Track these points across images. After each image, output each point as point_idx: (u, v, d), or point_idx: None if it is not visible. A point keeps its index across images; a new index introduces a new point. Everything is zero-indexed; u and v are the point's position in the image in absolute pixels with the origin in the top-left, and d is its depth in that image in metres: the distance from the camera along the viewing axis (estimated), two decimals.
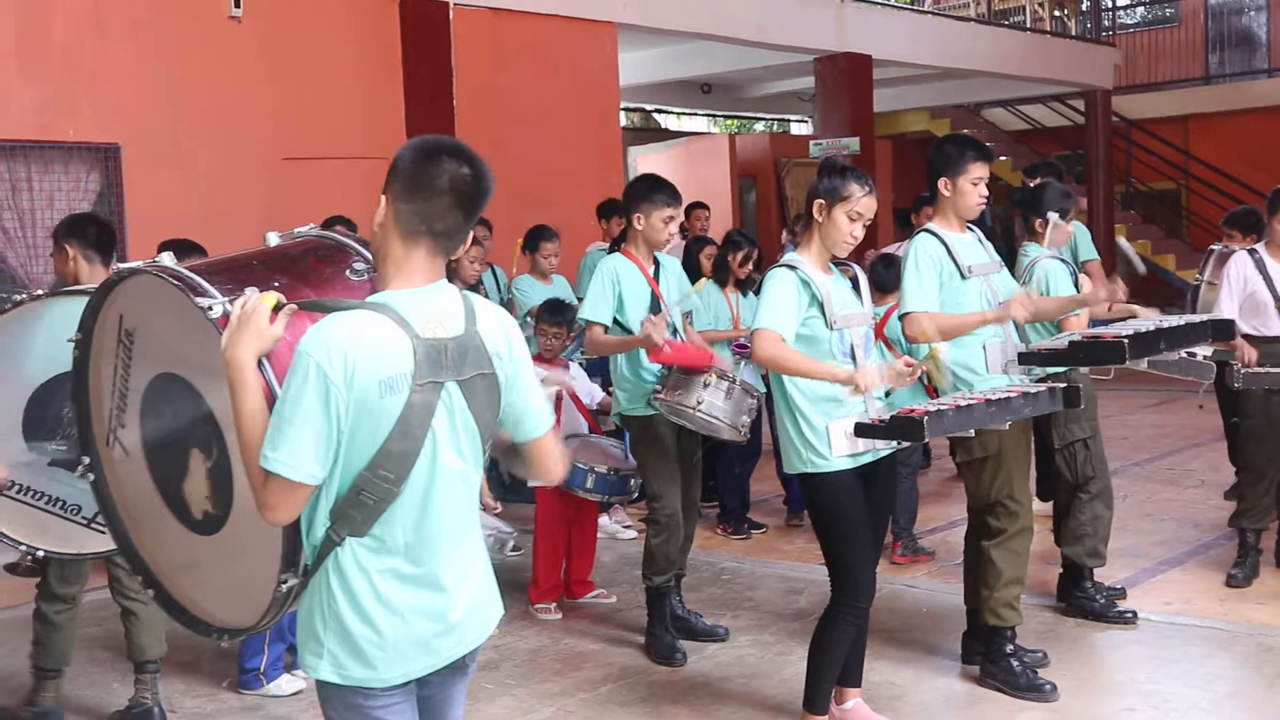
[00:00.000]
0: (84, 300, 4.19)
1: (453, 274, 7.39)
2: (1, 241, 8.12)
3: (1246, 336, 6.24)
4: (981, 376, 4.93)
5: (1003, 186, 17.96)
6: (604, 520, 7.58)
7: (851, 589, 4.39)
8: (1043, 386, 4.83)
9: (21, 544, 4.28)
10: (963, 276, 4.94)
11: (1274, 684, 5.09)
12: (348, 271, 2.75)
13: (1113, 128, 18.92)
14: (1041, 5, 18.54)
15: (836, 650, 4.46)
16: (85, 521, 4.31)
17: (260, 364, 2.48)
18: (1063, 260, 5.91)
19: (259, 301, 2.50)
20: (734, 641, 5.81)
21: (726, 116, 22.63)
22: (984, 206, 5.05)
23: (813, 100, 16.00)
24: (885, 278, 6.89)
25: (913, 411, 4.26)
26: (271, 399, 2.46)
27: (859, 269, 4.73)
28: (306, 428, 2.39)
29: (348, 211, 6.74)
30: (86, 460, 2.99)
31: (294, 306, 2.55)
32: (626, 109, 18.53)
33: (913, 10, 17.15)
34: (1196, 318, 5.53)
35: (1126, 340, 4.64)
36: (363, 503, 2.48)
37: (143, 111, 8.58)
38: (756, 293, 6.05)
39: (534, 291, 8.03)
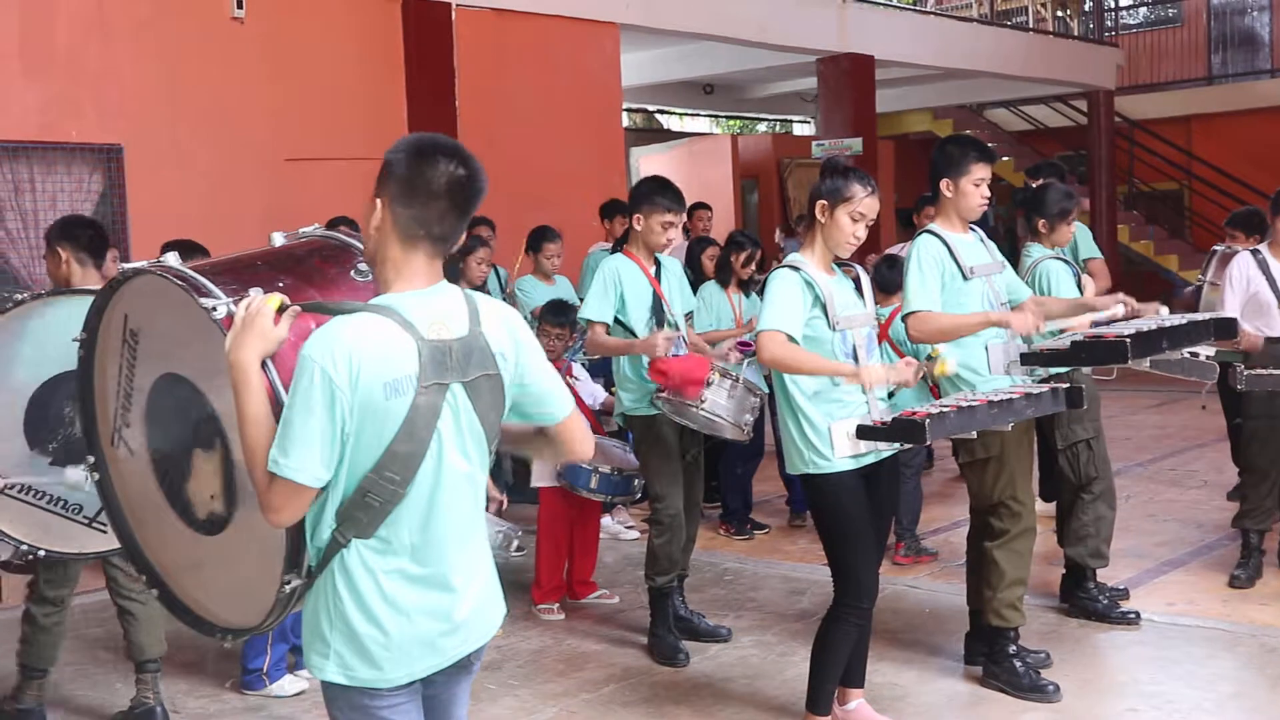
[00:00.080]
0: (86, 300, 4.20)
1: (459, 275, 7.42)
2: (4, 242, 8.13)
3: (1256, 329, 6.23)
4: (984, 377, 4.92)
5: (1005, 187, 17.94)
6: (606, 521, 7.58)
7: (854, 589, 4.39)
8: (1045, 387, 4.83)
9: (23, 543, 4.29)
10: (965, 277, 4.94)
11: (1277, 685, 5.09)
12: (352, 272, 2.75)
13: (1115, 128, 18.91)
14: (1044, 6, 18.53)
15: (839, 651, 4.46)
16: (86, 521, 4.31)
17: (264, 365, 2.48)
18: (1065, 260, 5.91)
19: (263, 303, 2.50)
20: (737, 642, 5.81)
21: (729, 117, 22.62)
22: (986, 207, 5.05)
23: (815, 101, 16.00)
24: (889, 279, 6.89)
25: (914, 413, 4.26)
26: (275, 401, 2.46)
27: (861, 269, 4.73)
28: (313, 432, 2.39)
29: (350, 212, 6.73)
30: (91, 460, 2.99)
31: (298, 308, 2.55)
32: (629, 109, 18.52)
33: (915, 11, 17.15)
34: (1199, 316, 5.52)
35: (1129, 340, 4.63)
36: (368, 504, 2.48)
37: (145, 112, 8.59)
38: (759, 293, 6.05)
39: (536, 292, 8.03)
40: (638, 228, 5.57)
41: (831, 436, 4.29)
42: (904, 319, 4.94)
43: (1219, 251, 7.13)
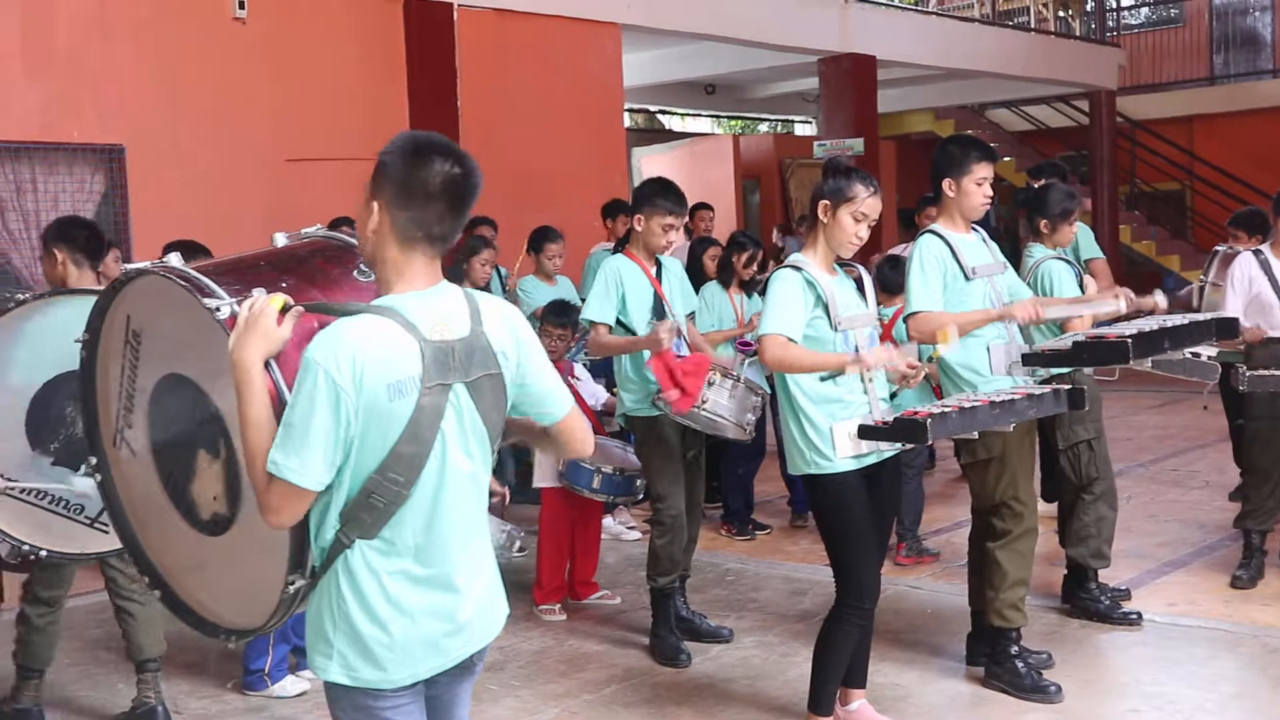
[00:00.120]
0: (88, 300, 4.20)
1: (463, 276, 7.42)
2: (6, 242, 8.14)
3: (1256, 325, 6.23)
4: (985, 378, 4.92)
5: (1006, 187, 17.94)
6: (608, 521, 7.58)
7: (856, 590, 4.39)
8: (1047, 388, 4.83)
9: (25, 544, 4.28)
10: (966, 278, 4.93)
11: (1279, 685, 5.08)
12: (355, 273, 2.75)
13: (1117, 128, 18.90)
14: (1046, 6, 18.52)
15: (841, 651, 4.46)
16: (88, 521, 4.31)
17: (268, 366, 2.48)
18: (1067, 260, 5.90)
19: (266, 303, 2.49)
20: (738, 643, 5.80)
21: (730, 117, 22.63)
22: (989, 207, 5.04)
23: (817, 101, 16.00)
24: (892, 279, 6.89)
25: (916, 413, 4.26)
26: (279, 401, 2.46)
27: (863, 270, 4.72)
28: (316, 434, 2.39)
29: (351, 213, 6.73)
30: (94, 461, 2.99)
31: (301, 308, 2.55)
32: (630, 110, 18.52)
33: (917, 11, 17.15)
34: (1201, 317, 5.52)
35: (1130, 340, 4.63)
36: (373, 505, 2.48)
37: (147, 113, 8.59)
38: (761, 293, 6.04)
39: (538, 293, 8.03)
40: (638, 229, 5.57)
41: (833, 437, 4.29)
42: (905, 319, 4.94)
43: (1221, 252, 7.12)
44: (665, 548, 5.59)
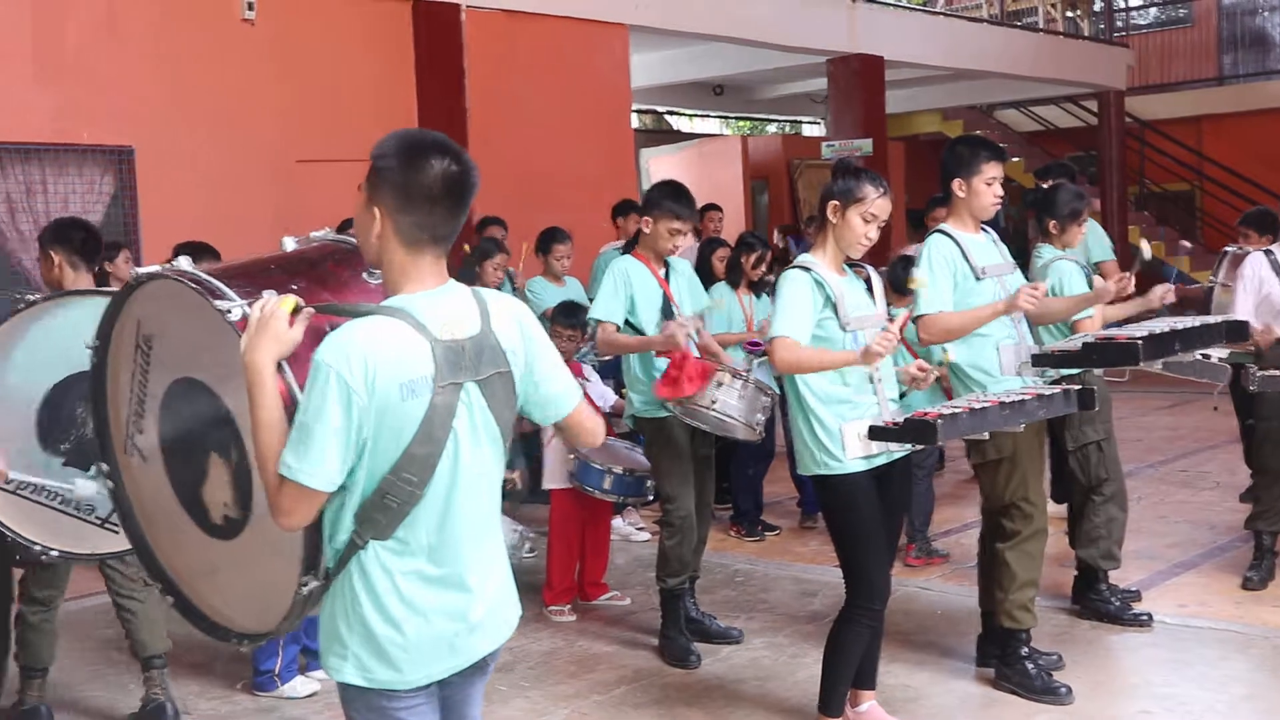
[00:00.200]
0: (97, 300, 4.22)
1: (474, 279, 7.42)
2: (17, 243, 8.16)
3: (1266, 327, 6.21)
4: (995, 378, 4.91)
5: (1015, 188, 17.91)
6: (618, 522, 7.58)
7: (866, 591, 4.39)
8: (1057, 388, 4.82)
9: (35, 544, 4.29)
10: (976, 278, 4.93)
11: None
12: (365, 274, 2.75)
13: (1126, 129, 18.88)
14: (1054, 6, 18.50)
15: (851, 652, 4.45)
16: (99, 521, 4.32)
17: (280, 367, 2.48)
18: (1076, 261, 5.89)
19: (277, 305, 2.49)
20: (748, 644, 5.80)
21: (738, 118, 22.63)
22: (999, 207, 5.04)
23: (825, 102, 15.99)
24: (903, 279, 6.87)
25: (926, 414, 4.26)
26: (291, 402, 2.46)
27: (872, 270, 4.72)
28: (329, 436, 2.39)
29: None
30: (105, 467, 2.99)
31: (312, 310, 2.55)
32: (638, 111, 18.54)
33: (925, 11, 17.13)
34: (1211, 319, 5.51)
35: (1140, 342, 4.62)
36: (387, 506, 2.48)
37: (156, 114, 8.61)
38: (770, 294, 6.04)
39: (547, 294, 8.03)
40: (646, 230, 5.57)
41: (843, 437, 4.29)
42: (915, 321, 4.93)
43: (1230, 252, 7.11)
44: (675, 549, 5.59)
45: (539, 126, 10.78)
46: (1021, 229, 17.15)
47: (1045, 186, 7.20)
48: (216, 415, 2.67)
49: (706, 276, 7.41)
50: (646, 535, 7.79)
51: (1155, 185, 20.30)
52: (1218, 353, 5.54)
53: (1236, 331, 5.32)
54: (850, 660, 4.47)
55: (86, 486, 4.16)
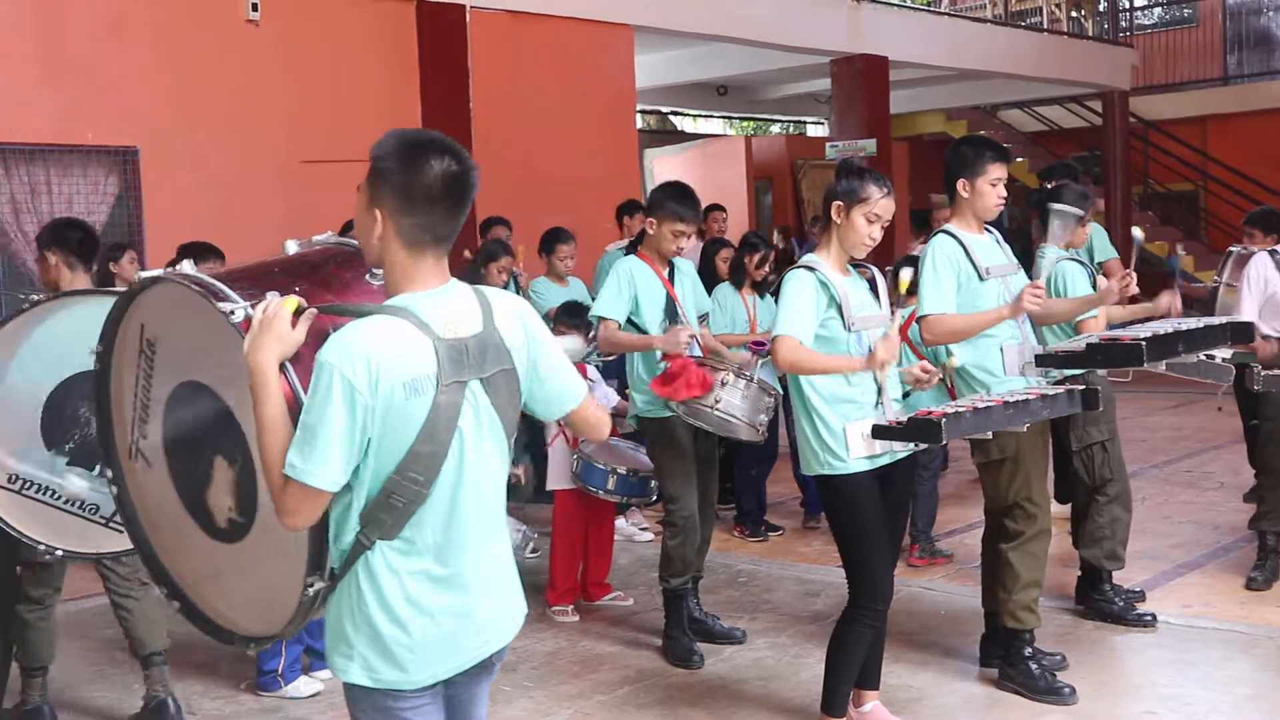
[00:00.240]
0: (100, 300, 4.23)
1: (479, 281, 7.44)
2: (22, 245, 8.17)
3: (1267, 339, 6.21)
4: (999, 379, 4.91)
5: (1019, 188, 17.89)
6: (621, 523, 7.58)
7: (869, 591, 4.39)
8: (1061, 389, 4.82)
9: (40, 543, 4.30)
10: (980, 278, 4.93)
11: None
12: (367, 276, 2.76)
13: (1130, 129, 18.86)
14: (1058, 6, 18.49)
15: (854, 653, 4.45)
16: (104, 521, 4.33)
17: (283, 368, 2.48)
18: (1080, 261, 5.89)
19: (280, 305, 2.50)
20: (751, 644, 5.80)
21: (742, 118, 22.63)
22: (1003, 207, 5.04)
23: (829, 102, 16.00)
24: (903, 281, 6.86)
25: (931, 413, 4.25)
26: (295, 403, 2.46)
27: (876, 270, 4.72)
28: (333, 435, 2.39)
29: None
30: (109, 474, 2.99)
31: (315, 310, 2.55)
32: (643, 111, 18.53)
33: (929, 11, 17.12)
34: (1215, 320, 5.50)
35: (1144, 343, 4.61)
36: (393, 505, 2.48)
37: (160, 115, 8.62)
38: (774, 295, 6.04)
39: (550, 294, 8.03)
40: (650, 231, 5.57)
41: (846, 437, 4.29)
42: (918, 321, 4.93)
43: (1235, 252, 7.10)
44: (678, 549, 5.59)
45: (543, 127, 10.79)
46: (1025, 229, 17.13)
47: (1049, 186, 7.19)
48: (220, 418, 2.67)
49: (710, 277, 7.41)
50: (649, 535, 7.79)
51: (1160, 185, 20.27)
52: (1222, 353, 5.53)
53: (1241, 332, 5.32)
54: (853, 660, 4.47)
55: (77, 484, 4.18)
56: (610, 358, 6.86)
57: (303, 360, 2.49)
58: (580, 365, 6.72)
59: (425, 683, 2.58)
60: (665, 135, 20.46)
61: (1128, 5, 21.46)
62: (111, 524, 4.31)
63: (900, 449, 4.38)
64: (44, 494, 4.31)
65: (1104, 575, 5.87)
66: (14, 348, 4.31)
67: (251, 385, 2.46)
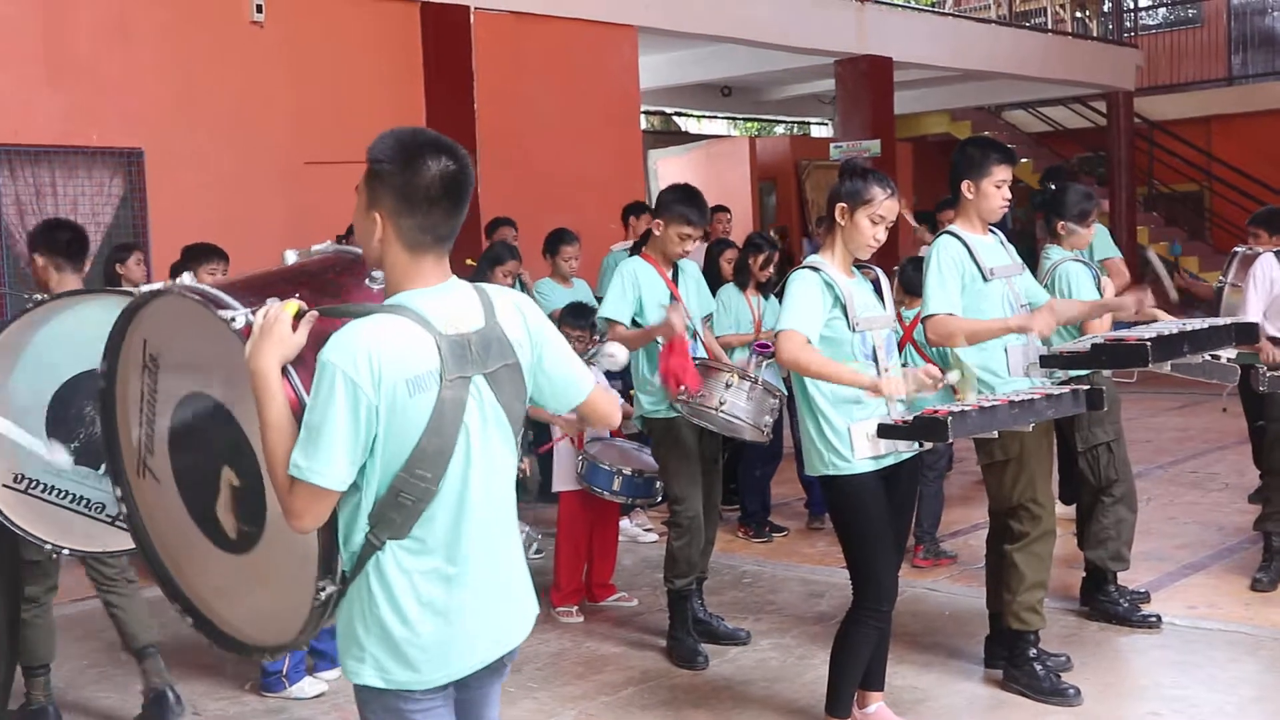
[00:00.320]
0: (103, 300, 4.24)
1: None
2: (25, 245, 8.17)
3: (1272, 339, 6.21)
4: (1003, 379, 4.91)
5: (1023, 189, 17.87)
6: (625, 523, 7.58)
7: (874, 592, 4.38)
8: (1065, 389, 4.81)
9: (46, 542, 4.31)
10: (984, 279, 4.92)
11: None
12: (366, 280, 2.75)
13: (1135, 129, 18.84)
14: (1063, 6, 18.48)
15: (859, 654, 4.45)
16: (109, 520, 4.33)
17: (285, 371, 2.48)
18: (1084, 263, 5.88)
19: (280, 309, 2.50)
20: (756, 645, 5.80)
21: (747, 119, 22.63)
22: (1007, 209, 5.03)
23: (833, 103, 15.98)
24: (914, 281, 6.86)
25: (936, 412, 4.25)
26: (298, 406, 2.46)
27: (880, 271, 4.72)
28: (337, 435, 2.39)
29: None
30: (119, 493, 2.99)
31: (315, 313, 2.55)
32: (647, 112, 18.53)
33: (933, 12, 17.12)
34: (1220, 321, 5.50)
35: (1149, 343, 4.61)
36: (401, 504, 2.48)
37: (165, 116, 8.63)
38: (778, 295, 6.04)
39: (555, 295, 8.03)
40: (657, 233, 5.58)
41: (851, 438, 4.29)
42: (922, 322, 4.93)
43: (1240, 253, 7.10)
44: (682, 550, 5.59)
45: (547, 128, 10.79)
46: (1029, 230, 17.14)
47: (1054, 187, 7.18)
48: (226, 426, 2.66)
49: (714, 278, 7.41)
50: (654, 536, 7.79)
51: (1164, 186, 20.26)
52: (1226, 353, 5.53)
53: (1246, 333, 5.31)
54: (858, 661, 4.46)
55: (59, 455, 4.18)
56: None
57: (305, 363, 2.49)
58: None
59: (438, 683, 2.57)
60: (669, 136, 20.46)
61: (1132, 5, 21.44)
62: (117, 522, 4.31)
63: (905, 449, 4.38)
64: (50, 493, 4.31)
65: (1109, 576, 5.86)
66: (19, 348, 4.31)
67: (254, 389, 2.46)
